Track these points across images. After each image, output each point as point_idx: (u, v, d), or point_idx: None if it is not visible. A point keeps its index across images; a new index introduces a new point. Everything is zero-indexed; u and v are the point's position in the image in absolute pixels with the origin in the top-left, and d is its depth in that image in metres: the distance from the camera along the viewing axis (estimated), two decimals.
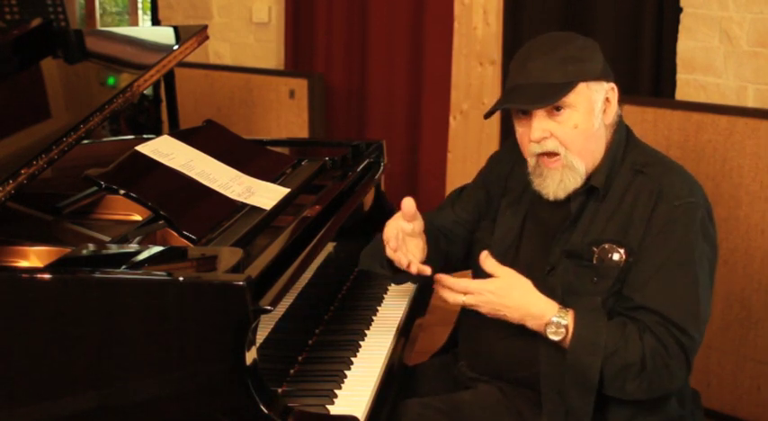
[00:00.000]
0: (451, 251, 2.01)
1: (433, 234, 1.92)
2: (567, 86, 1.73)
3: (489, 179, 2.03)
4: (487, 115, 1.83)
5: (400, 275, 1.86)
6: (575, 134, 1.75)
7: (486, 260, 1.75)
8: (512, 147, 1.92)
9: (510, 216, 1.91)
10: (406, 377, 1.95)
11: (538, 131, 1.75)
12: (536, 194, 1.83)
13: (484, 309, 1.76)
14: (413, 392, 1.93)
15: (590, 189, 1.80)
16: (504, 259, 1.81)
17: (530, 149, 1.79)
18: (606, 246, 1.75)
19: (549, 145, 1.76)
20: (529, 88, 1.74)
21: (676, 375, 1.70)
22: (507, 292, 1.74)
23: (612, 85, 1.81)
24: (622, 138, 1.84)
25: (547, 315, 1.71)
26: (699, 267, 1.73)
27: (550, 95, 1.73)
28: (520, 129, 1.82)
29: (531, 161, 1.81)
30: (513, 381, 1.84)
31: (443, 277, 1.78)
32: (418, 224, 1.80)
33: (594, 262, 1.75)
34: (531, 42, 1.82)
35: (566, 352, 1.72)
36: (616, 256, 1.74)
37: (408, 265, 1.76)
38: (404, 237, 1.79)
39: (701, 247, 1.74)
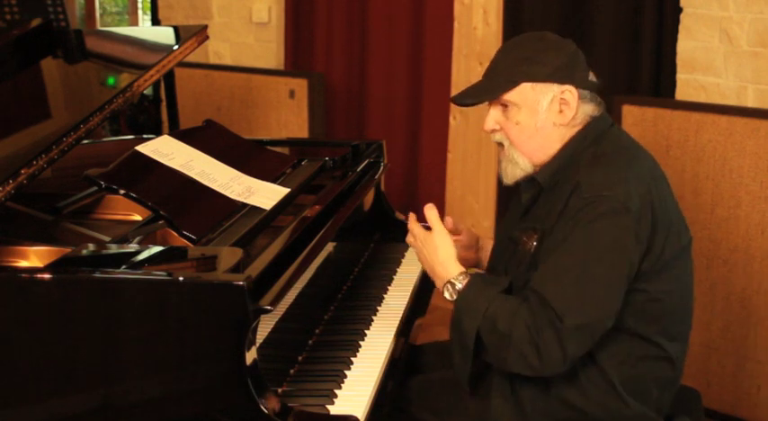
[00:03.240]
0: None
1: None
2: (508, 85, 1.81)
3: None
4: (455, 101, 1.91)
5: None
6: (517, 130, 1.84)
7: (430, 211, 1.89)
8: None
9: (512, 212, 2.02)
10: (412, 355, 2.00)
11: (489, 122, 1.87)
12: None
13: (417, 253, 1.94)
14: (418, 370, 2.01)
15: (536, 183, 1.87)
16: (505, 250, 1.92)
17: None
18: (525, 232, 1.83)
19: (497, 137, 1.88)
20: (480, 84, 1.87)
21: (546, 357, 1.67)
22: (430, 246, 1.87)
23: (569, 87, 1.80)
24: (588, 137, 1.83)
25: (448, 276, 1.82)
26: (594, 261, 1.69)
27: (488, 92, 1.84)
28: None
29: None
30: None
31: (412, 218, 1.96)
32: (465, 237, 2.07)
33: (518, 247, 1.84)
34: (510, 40, 1.92)
35: None
36: (530, 243, 1.82)
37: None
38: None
39: (602, 243, 1.69)
